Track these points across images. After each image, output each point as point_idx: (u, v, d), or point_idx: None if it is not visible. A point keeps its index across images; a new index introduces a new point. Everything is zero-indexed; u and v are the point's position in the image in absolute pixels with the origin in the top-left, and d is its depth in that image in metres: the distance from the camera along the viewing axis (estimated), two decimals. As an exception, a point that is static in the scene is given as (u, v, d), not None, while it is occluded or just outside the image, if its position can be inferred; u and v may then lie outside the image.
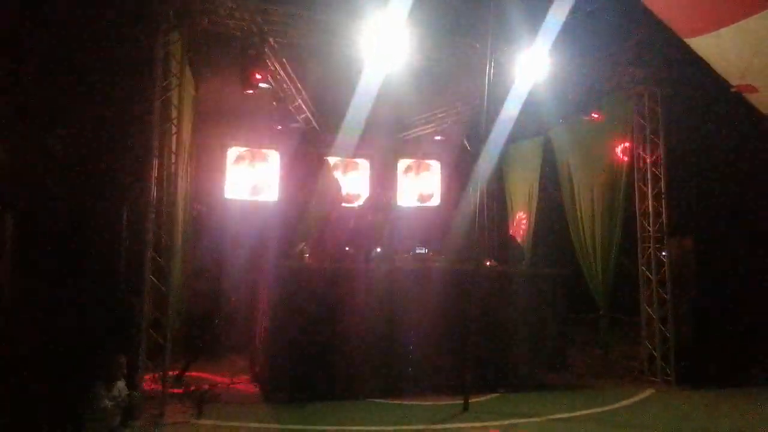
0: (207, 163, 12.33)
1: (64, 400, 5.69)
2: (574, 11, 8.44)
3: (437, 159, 14.42)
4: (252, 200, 13.12)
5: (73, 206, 6.63)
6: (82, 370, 5.78)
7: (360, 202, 11.20)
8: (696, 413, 7.74)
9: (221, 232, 12.38)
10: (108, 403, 4.51)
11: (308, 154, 12.97)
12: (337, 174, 12.94)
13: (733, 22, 7.23)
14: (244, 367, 9.65)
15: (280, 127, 12.20)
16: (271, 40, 8.96)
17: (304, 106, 12.21)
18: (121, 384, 4.68)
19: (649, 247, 9.73)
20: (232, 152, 13.13)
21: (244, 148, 13.21)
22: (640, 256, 9.88)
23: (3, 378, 5.57)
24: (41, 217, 6.44)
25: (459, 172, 13.93)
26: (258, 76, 8.55)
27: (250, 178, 13.16)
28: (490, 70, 8.13)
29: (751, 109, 8.51)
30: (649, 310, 9.71)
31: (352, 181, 13.52)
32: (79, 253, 6.53)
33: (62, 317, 6.25)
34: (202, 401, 6.94)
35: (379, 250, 9.44)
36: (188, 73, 8.22)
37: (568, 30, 9.09)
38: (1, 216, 6.15)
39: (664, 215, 9.64)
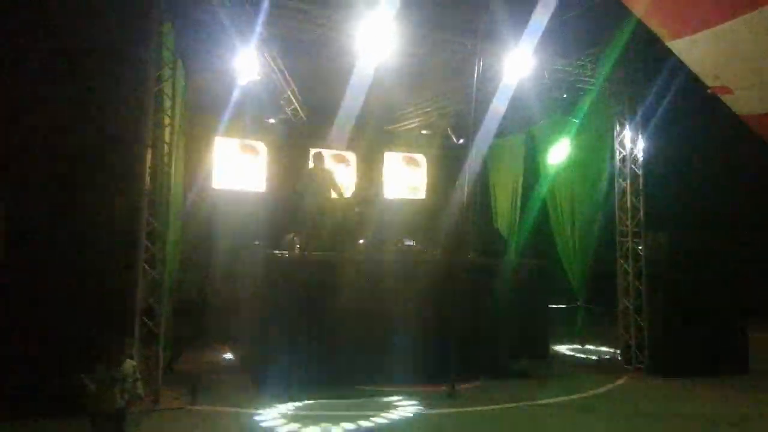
0: (195, 153, 12.33)
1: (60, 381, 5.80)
2: (558, 14, 8.68)
3: (423, 153, 14.63)
4: (240, 190, 13.19)
5: (65, 196, 6.66)
6: (77, 353, 5.92)
7: (347, 194, 11.32)
8: (666, 400, 8.14)
9: (209, 221, 12.42)
10: (108, 381, 4.66)
11: (297, 146, 13.08)
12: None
13: (709, 27, 7.57)
14: (233, 356, 9.80)
15: (272, 121, 12.24)
16: (262, 31, 9.03)
17: (292, 98, 12.29)
18: (128, 365, 4.81)
19: (627, 241, 10.12)
20: (220, 142, 13.16)
21: (232, 139, 13.25)
22: (618, 249, 10.27)
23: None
24: (33, 206, 6.46)
25: (445, 166, 14.17)
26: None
27: (238, 169, 13.22)
28: (478, 68, 8.37)
29: (727, 109, 8.90)
30: (625, 301, 10.11)
31: (341, 174, 13.65)
32: (72, 241, 6.58)
33: (55, 305, 6.33)
34: (195, 388, 7.08)
35: (362, 241, 9.61)
36: (179, 63, 8.25)
37: (552, 30, 9.35)
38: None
39: (641, 211, 10.02)
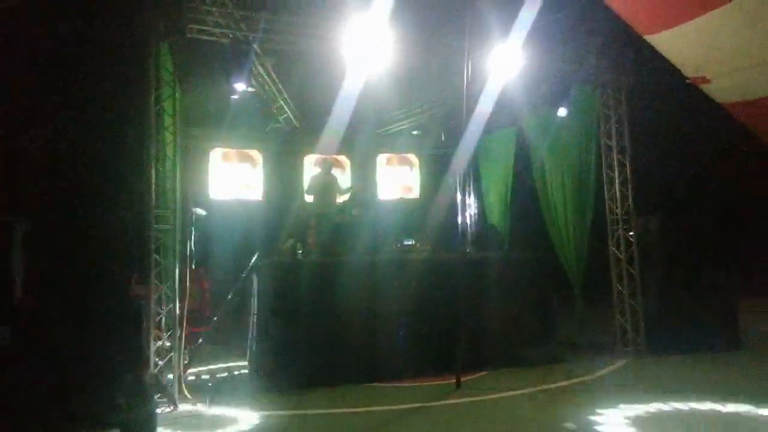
0: (190, 164, 12.52)
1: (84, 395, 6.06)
2: (545, 12, 8.98)
3: (415, 153, 14.91)
4: (237, 200, 13.39)
5: (75, 214, 6.89)
6: (97, 367, 6.18)
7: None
8: (666, 377, 8.47)
9: (208, 231, 12.63)
10: (133, 392, 4.94)
11: (292, 153, 13.34)
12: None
13: (689, 20, 7.90)
14: (242, 362, 10.04)
15: (268, 129, 12.45)
16: (255, 46, 9.26)
17: (285, 107, 12.53)
18: (149, 376, 5.09)
19: (618, 229, 10.46)
20: (216, 153, 13.36)
21: (227, 149, 13.45)
22: (609, 237, 10.60)
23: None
24: (47, 225, 6.68)
25: (437, 165, 14.46)
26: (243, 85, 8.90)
27: (234, 178, 13.42)
28: (468, 67, 8.64)
29: (706, 97, 9.27)
30: (619, 286, 10.45)
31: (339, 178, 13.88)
32: (84, 257, 6.79)
33: (72, 321, 6.54)
34: (211, 392, 7.33)
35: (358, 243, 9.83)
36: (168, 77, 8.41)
37: (537, 26, 9.65)
38: (10, 225, 6.40)
39: (630, 198, 10.37)
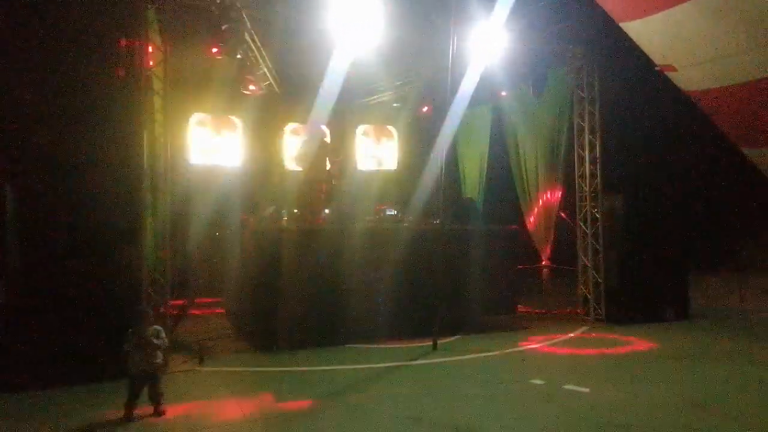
0: (170, 128, 12.44)
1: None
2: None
3: (394, 125, 15.16)
4: (216, 166, 13.41)
5: (71, 177, 6.93)
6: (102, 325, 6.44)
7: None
8: (621, 341, 9.24)
9: (186, 196, 12.66)
10: (136, 345, 5.25)
11: (273, 121, 13.40)
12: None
13: (660, 11, 8.41)
14: (227, 325, 10.35)
15: (250, 89, 12.35)
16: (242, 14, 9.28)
17: (267, 74, 12.52)
18: (151, 331, 5.37)
19: (586, 205, 11.11)
20: (195, 118, 13.29)
21: (207, 114, 13.39)
22: (577, 212, 11.26)
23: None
24: (40, 185, 6.74)
25: (415, 137, 14.78)
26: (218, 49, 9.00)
27: (213, 144, 13.42)
28: (453, 45, 8.94)
29: (672, 84, 9.88)
30: (584, 259, 11.17)
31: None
32: (82, 220, 6.89)
33: (77, 283, 6.70)
34: (202, 352, 7.64)
35: (327, 211, 10.17)
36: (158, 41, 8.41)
37: (517, 9, 9.98)
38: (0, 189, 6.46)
39: (598, 177, 11.00)
